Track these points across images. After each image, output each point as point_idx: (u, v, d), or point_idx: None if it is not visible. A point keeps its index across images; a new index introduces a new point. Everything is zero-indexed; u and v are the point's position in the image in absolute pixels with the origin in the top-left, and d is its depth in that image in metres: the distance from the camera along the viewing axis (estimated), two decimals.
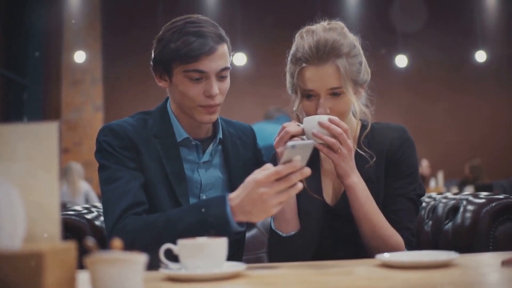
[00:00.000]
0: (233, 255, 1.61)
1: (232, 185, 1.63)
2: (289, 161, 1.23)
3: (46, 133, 0.91)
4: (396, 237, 1.52)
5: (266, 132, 3.68)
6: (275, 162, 1.68)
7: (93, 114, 9.19)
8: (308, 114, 1.57)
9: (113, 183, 1.50)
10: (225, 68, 1.54)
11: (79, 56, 9.02)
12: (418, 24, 9.06)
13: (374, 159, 1.59)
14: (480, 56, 9.57)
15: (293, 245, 1.56)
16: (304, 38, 1.55)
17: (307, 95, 1.55)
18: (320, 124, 1.45)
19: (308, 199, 1.59)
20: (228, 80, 1.57)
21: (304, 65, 1.53)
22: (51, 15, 9.04)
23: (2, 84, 8.15)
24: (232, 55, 1.62)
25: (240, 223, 1.32)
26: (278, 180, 1.24)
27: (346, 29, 1.59)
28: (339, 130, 1.44)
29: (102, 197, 1.53)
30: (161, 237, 1.27)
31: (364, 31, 1.70)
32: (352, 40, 1.58)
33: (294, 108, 1.60)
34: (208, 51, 1.49)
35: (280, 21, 7.74)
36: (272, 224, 1.59)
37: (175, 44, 1.50)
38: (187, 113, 1.57)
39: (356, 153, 1.61)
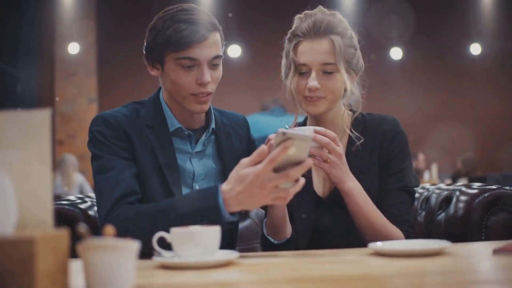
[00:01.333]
0: (226, 245, 1.61)
1: (225, 175, 1.61)
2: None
3: (38, 120, 0.90)
4: (396, 232, 1.53)
5: (260, 123, 3.68)
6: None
7: (87, 106, 9.15)
8: (298, 92, 1.58)
9: (106, 173, 1.50)
10: (217, 56, 1.53)
11: (73, 48, 8.98)
12: (414, 17, 9.05)
13: (362, 141, 1.60)
14: (475, 48, 9.59)
15: (287, 248, 1.56)
16: (303, 18, 1.60)
17: (300, 71, 1.57)
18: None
19: (299, 193, 1.60)
20: (220, 68, 1.57)
21: (300, 39, 1.57)
22: (45, 6, 8.99)
23: None
24: (225, 45, 1.61)
25: (233, 213, 1.33)
26: (278, 172, 1.23)
27: (343, 18, 1.63)
28: (325, 139, 1.43)
29: (95, 187, 1.53)
30: (153, 227, 1.26)
31: (359, 24, 1.70)
32: (348, 26, 1.61)
33: (288, 83, 1.60)
34: (199, 39, 1.48)
35: (275, 12, 7.72)
36: (264, 231, 1.59)
37: (167, 32, 1.49)
38: (179, 102, 1.57)
39: (349, 142, 1.62)
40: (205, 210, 1.30)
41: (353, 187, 1.49)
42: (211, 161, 1.65)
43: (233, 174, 1.30)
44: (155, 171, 1.55)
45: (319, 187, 1.64)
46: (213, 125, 1.65)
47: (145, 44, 1.59)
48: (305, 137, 1.22)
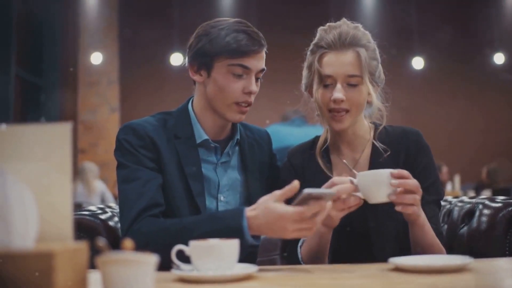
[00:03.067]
0: (246, 257, 1.60)
1: (249, 186, 1.66)
2: (303, 203, 1.25)
3: (59, 133, 0.91)
4: (443, 249, 1.52)
5: (280, 134, 3.67)
6: (286, 170, 1.70)
7: (109, 115, 9.24)
8: (323, 103, 1.57)
9: (130, 183, 1.51)
10: (263, 70, 1.60)
11: (96, 58, 9.09)
12: (435, 26, 8.99)
13: (388, 153, 1.59)
14: (499, 58, 9.47)
15: None
16: (327, 30, 1.60)
17: (325, 83, 1.57)
18: (392, 185, 1.34)
19: None
20: (259, 84, 1.62)
21: (325, 51, 1.57)
22: (68, 16, 9.13)
23: (19, 86, 8.24)
24: None
25: (255, 236, 1.35)
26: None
27: (365, 31, 1.63)
28: (403, 181, 1.35)
29: (119, 197, 1.54)
30: (174, 243, 1.25)
31: (379, 36, 1.70)
32: (371, 39, 1.62)
33: (313, 97, 1.60)
34: (255, 50, 1.56)
35: (295, 24, 7.74)
36: (300, 258, 1.55)
37: (224, 39, 1.55)
38: (218, 110, 1.59)
39: (372, 154, 1.60)
40: (229, 231, 1.31)
41: (424, 217, 1.46)
42: (236, 172, 1.67)
43: (262, 203, 1.32)
44: (180, 181, 1.56)
45: None
46: (238, 136, 1.68)
47: (193, 49, 1.61)
48: (330, 194, 1.29)
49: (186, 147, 1.60)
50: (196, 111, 1.65)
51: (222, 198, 1.62)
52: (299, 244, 1.56)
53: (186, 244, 1.20)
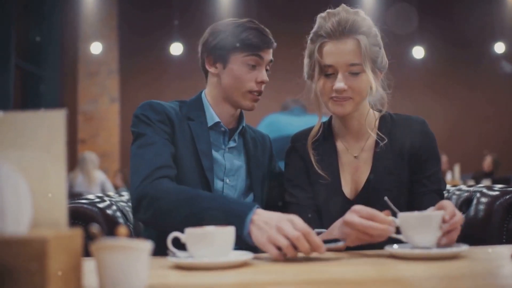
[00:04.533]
0: (247, 246, 1.61)
1: (251, 176, 1.75)
2: None
3: (54, 121, 0.91)
4: None
5: (280, 123, 3.66)
6: (290, 154, 1.71)
7: (109, 105, 9.24)
8: (324, 94, 1.57)
9: (147, 147, 1.58)
10: (271, 61, 1.75)
11: (96, 47, 9.08)
12: (436, 15, 8.95)
13: (385, 141, 1.59)
14: (499, 47, 9.44)
15: None
16: (326, 18, 1.57)
17: (325, 73, 1.56)
18: (443, 230, 1.21)
19: (328, 194, 1.59)
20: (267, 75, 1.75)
21: (325, 40, 1.55)
22: (68, 6, 9.10)
23: (19, 76, 8.24)
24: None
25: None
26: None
27: (366, 15, 1.60)
28: (452, 222, 1.23)
29: (134, 158, 1.57)
30: (184, 204, 1.36)
31: (380, 22, 1.69)
32: (371, 24, 1.59)
33: (313, 85, 1.60)
34: (268, 45, 1.72)
35: (296, 14, 7.71)
36: None
37: (240, 35, 1.69)
38: (233, 99, 1.72)
39: (377, 142, 1.61)
40: (233, 214, 1.31)
41: None
42: (242, 160, 1.77)
43: (279, 215, 1.27)
44: (192, 156, 1.65)
45: (347, 189, 1.64)
46: (243, 123, 1.79)
47: (210, 44, 1.74)
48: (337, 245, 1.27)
49: (199, 127, 1.70)
50: (208, 100, 1.77)
51: (228, 181, 1.71)
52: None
53: (194, 209, 1.29)
